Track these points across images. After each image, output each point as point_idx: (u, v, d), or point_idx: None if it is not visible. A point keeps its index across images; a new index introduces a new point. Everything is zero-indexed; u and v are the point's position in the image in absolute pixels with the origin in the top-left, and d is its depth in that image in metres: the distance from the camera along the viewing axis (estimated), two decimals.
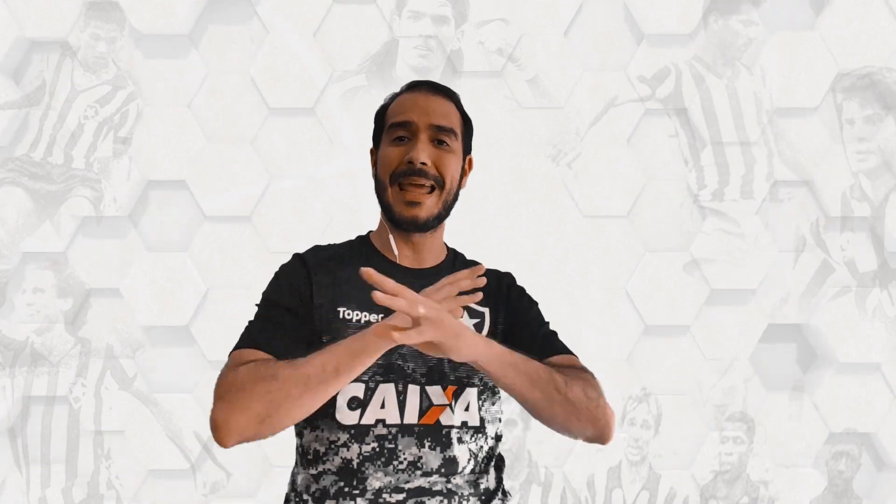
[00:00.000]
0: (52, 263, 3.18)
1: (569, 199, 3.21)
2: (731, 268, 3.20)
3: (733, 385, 3.19)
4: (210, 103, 3.22)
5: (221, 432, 1.32)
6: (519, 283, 1.66)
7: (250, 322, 1.48)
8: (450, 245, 1.66)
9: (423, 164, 1.50)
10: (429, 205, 1.52)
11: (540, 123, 3.22)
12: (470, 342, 1.33)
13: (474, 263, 1.64)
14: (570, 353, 1.57)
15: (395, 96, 1.62)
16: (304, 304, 1.48)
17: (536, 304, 1.64)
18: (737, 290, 3.21)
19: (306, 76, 3.21)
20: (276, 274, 1.54)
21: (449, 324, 1.29)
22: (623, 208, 3.22)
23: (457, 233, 1.73)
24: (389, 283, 1.26)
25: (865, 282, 3.21)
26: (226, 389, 1.34)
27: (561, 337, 1.66)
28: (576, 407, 1.43)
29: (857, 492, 3.18)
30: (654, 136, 3.24)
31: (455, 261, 1.63)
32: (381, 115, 1.62)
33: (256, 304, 1.52)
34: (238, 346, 1.43)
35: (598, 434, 1.48)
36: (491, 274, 1.62)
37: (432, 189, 1.52)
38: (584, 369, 1.52)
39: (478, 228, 3.11)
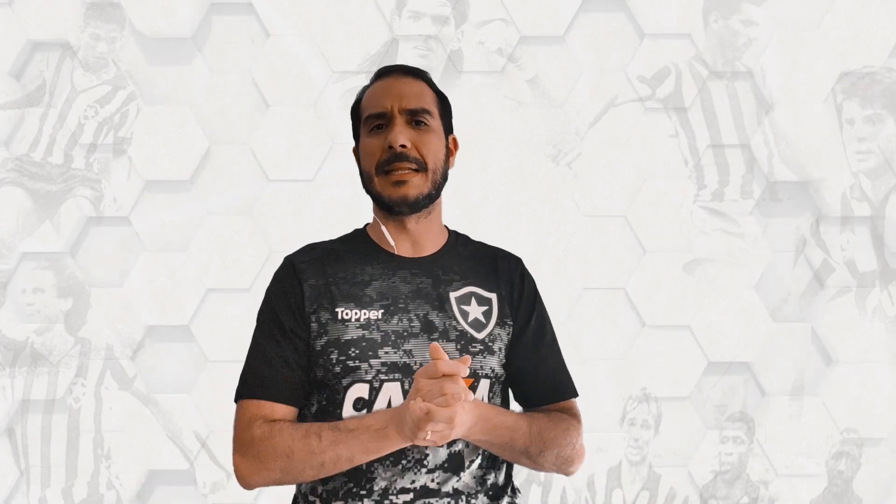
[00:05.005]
0: (52, 263, 3.18)
1: (569, 199, 3.21)
2: (730, 267, 3.20)
3: (733, 385, 3.18)
4: (210, 103, 3.22)
5: (244, 482, 1.45)
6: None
7: (250, 354, 1.50)
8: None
9: (403, 146, 1.48)
10: (416, 183, 1.50)
11: (540, 123, 3.22)
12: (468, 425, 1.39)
13: (474, 243, 1.66)
14: (574, 393, 1.61)
15: (365, 89, 1.60)
16: (296, 317, 1.48)
17: (545, 309, 1.63)
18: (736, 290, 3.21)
19: (306, 76, 3.21)
20: (268, 290, 1.54)
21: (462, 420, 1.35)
22: (623, 208, 3.22)
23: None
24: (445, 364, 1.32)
25: (865, 282, 3.21)
26: (245, 446, 1.43)
27: (560, 337, 1.67)
28: (542, 468, 1.57)
29: (856, 492, 3.18)
30: (654, 136, 3.24)
31: (457, 243, 1.62)
32: (355, 110, 1.60)
33: (256, 319, 1.53)
34: (245, 394, 1.47)
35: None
36: (500, 255, 1.65)
37: (416, 171, 1.50)
38: (575, 416, 1.58)
39: (478, 228, 3.10)
